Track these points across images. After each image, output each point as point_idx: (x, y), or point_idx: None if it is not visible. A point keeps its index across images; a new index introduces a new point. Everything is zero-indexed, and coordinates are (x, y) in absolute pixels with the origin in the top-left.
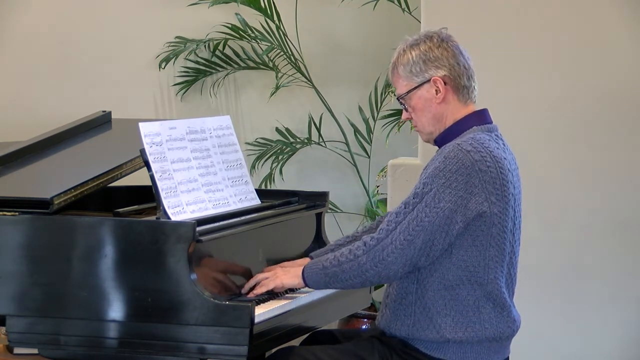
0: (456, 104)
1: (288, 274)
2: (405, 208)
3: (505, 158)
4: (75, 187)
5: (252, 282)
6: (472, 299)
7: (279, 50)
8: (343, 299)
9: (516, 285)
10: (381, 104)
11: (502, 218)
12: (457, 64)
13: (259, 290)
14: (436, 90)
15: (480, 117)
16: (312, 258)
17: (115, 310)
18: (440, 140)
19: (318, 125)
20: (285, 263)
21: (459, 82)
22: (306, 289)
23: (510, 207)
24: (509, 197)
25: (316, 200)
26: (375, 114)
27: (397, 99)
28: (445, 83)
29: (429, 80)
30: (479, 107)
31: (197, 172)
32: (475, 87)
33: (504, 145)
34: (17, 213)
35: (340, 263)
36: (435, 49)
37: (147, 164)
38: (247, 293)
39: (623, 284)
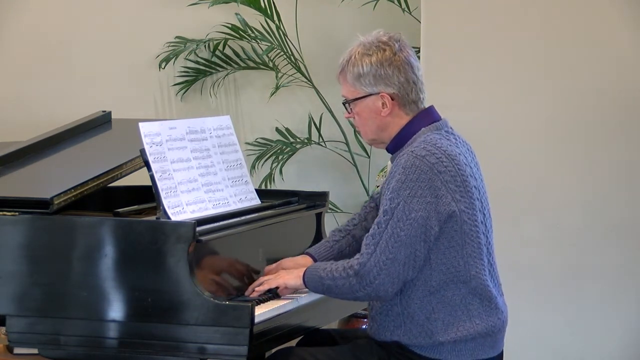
0: (402, 116)
1: (291, 275)
2: (378, 228)
3: (459, 153)
4: (75, 187)
5: (255, 284)
6: (459, 298)
7: (279, 50)
8: None
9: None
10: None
11: (470, 213)
12: (407, 82)
13: (261, 287)
14: (383, 104)
15: (427, 117)
16: (310, 254)
17: (115, 310)
18: (392, 148)
19: (318, 125)
20: (285, 260)
21: (407, 99)
22: (306, 288)
23: (476, 200)
24: (472, 191)
25: (316, 200)
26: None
27: (343, 103)
28: (392, 99)
29: (377, 93)
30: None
31: (197, 172)
32: (424, 96)
33: (455, 140)
34: (17, 213)
35: (334, 278)
36: (386, 65)
37: (147, 164)
38: (250, 294)
39: (623, 284)
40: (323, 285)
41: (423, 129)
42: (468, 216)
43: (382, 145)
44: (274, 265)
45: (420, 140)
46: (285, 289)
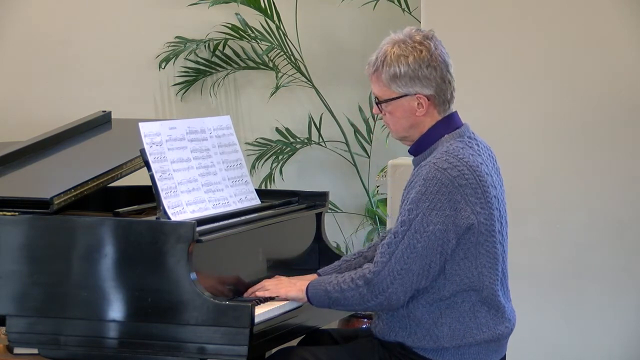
0: (435, 116)
1: (294, 287)
2: (395, 238)
3: (481, 163)
4: (75, 187)
5: (257, 286)
6: (468, 306)
7: (279, 50)
8: None
9: (510, 281)
10: (376, 104)
11: (489, 224)
12: (443, 82)
13: (261, 293)
14: (418, 104)
15: (449, 124)
16: (319, 275)
17: (115, 310)
18: (414, 151)
19: (318, 125)
20: (294, 278)
21: (442, 98)
22: (307, 302)
23: (495, 209)
24: (492, 201)
25: (316, 200)
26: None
27: (376, 103)
28: (428, 99)
29: (413, 94)
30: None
31: (197, 172)
32: (455, 94)
33: (478, 147)
34: (17, 213)
35: (342, 290)
36: (424, 67)
37: (147, 164)
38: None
39: (623, 284)
40: (330, 298)
41: (446, 136)
42: (486, 227)
43: (410, 142)
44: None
45: (443, 151)
46: (285, 299)
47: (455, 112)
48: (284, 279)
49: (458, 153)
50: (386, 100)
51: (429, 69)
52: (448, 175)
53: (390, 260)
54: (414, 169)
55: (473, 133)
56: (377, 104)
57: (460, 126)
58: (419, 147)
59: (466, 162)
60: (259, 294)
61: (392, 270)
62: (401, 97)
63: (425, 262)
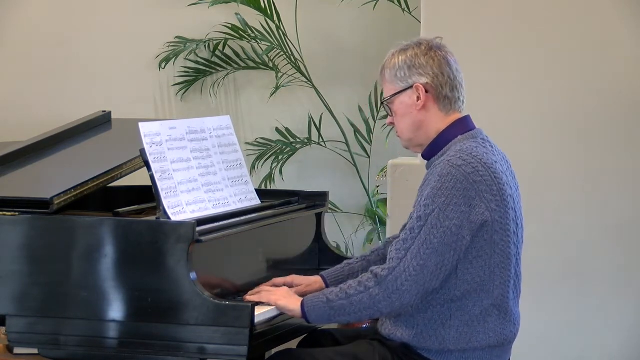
0: (437, 113)
1: (289, 299)
2: (411, 233)
3: (495, 161)
4: (75, 187)
5: (255, 290)
6: (479, 310)
7: (279, 50)
8: None
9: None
10: (381, 104)
11: (504, 223)
12: (442, 74)
13: (254, 297)
14: (417, 97)
15: (463, 125)
16: (323, 277)
17: (115, 310)
18: (427, 154)
19: (318, 125)
20: (296, 276)
21: (440, 92)
22: (301, 318)
23: (511, 209)
24: (507, 200)
25: (316, 200)
26: (375, 114)
27: (382, 102)
28: (426, 91)
29: (411, 87)
30: (470, 112)
31: (197, 172)
32: (461, 99)
33: (491, 147)
34: (17, 213)
35: (348, 296)
36: (421, 56)
37: (147, 164)
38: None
39: (623, 284)
40: (332, 308)
41: (459, 136)
42: (500, 226)
43: (419, 148)
44: (281, 279)
45: (457, 150)
46: (276, 307)
47: (468, 115)
48: (283, 288)
49: (472, 151)
50: (390, 97)
51: (425, 57)
52: (462, 172)
53: (406, 256)
54: (427, 170)
55: (486, 136)
56: (382, 104)
57: (473, 129)
58: (433, 150)
59: (480, 159)
60: (253, 298)
61: (407, 267)
62: (402, 91)
63: (440, 259)
